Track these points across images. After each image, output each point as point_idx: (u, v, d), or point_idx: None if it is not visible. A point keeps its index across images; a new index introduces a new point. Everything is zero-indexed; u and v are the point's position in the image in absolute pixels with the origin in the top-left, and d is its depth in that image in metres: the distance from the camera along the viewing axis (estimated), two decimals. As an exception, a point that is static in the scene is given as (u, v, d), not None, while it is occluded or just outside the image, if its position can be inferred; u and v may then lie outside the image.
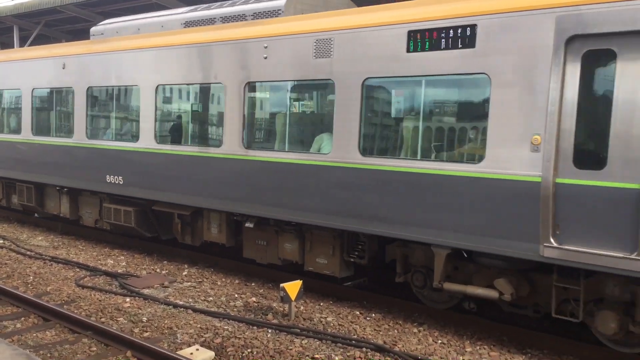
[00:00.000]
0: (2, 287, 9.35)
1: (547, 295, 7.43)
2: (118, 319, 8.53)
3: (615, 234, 6.36)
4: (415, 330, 8.30)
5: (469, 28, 7.31)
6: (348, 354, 7.41)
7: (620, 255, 6.31)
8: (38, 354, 7.21)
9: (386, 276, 10.27)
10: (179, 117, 11.08)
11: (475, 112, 7.49)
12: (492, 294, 7.59)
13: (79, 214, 13.62)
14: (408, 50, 7.85)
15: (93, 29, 13.27)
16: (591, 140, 6.61)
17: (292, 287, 8.53)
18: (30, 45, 24.35)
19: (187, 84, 10.69)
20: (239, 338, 7.82)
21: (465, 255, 8.11)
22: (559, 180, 6.66)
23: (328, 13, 9.02)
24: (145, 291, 9.88)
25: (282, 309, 9.01)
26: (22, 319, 8.52)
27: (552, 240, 6.75)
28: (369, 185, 8.26)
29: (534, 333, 7.90)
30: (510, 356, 7.45)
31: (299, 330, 8.11)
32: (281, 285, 8.49)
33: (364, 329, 8.30)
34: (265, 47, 9.44)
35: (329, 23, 8.76)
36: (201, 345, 7.48)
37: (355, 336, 8.01)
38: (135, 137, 11.57)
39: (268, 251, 10.16)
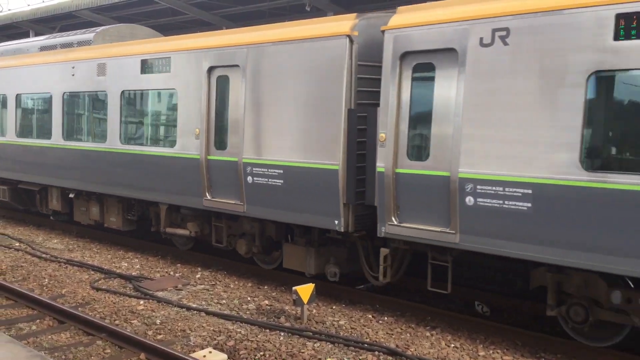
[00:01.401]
0: (18, 290, 9.46)
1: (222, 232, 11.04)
2: (132, 322, 8.59)
3: (233, 191, 10.16)
4: (427, 334, 8.28)
5: (167, 59, 11.26)
6: (360, 357, 7.41)
7: (233, 202, 10.16)
8: (53, 355, 7.29)
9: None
10: (30, 117, 14.84)
11: (172, 114, 11.33)
12: (185, 232, 11.44)
13: None
14: (142, 73, 11.75)
15: None
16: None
17: (305, 290, 8.54)
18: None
19: (35, 93, 14.57)
20: (252, 341, 7.85)
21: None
22: (209, 157, 10.53)
23: (104, 45, 13.16)
24: (159, 294, 9.95)
25: (294, 312, 9.03)
26: (38, 321, 8.62)
27: (207, 195, 10.57)
28: (128, 164, 12.05)
29: (547, 337, 7.86)
30: (523, 360, 7.42)
31: (311, 334, 8.12)
32: (294, 288, 8.51)
33: (377, 332, 8.30)
34: (73, 68, 13.38)
35: (102, 53, 12.79)
36: (214, 348, 7.51)
37: (368, 340, 8.01)
38: (4, 133, 15.64)
39: (86, 215, 13.78)
